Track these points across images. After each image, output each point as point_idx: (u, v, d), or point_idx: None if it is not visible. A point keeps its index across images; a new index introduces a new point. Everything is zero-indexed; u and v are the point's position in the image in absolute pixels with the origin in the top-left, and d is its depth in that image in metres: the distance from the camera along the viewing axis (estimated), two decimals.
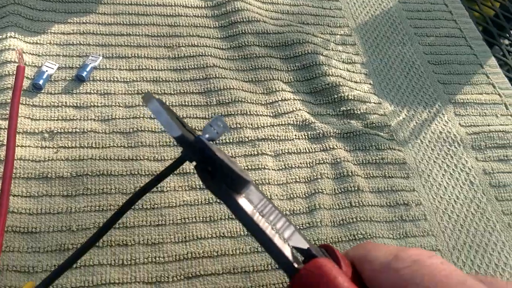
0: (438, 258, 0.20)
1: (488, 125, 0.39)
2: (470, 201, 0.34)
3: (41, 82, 0.33)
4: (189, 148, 0.22)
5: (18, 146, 0.30)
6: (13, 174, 0.29)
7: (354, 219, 0.31)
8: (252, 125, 0.34)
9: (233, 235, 0.29)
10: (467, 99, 0.40)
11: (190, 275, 0.28)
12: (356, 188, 0.33)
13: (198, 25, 0.39)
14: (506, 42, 0.50)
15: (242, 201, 0.23)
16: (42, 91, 0.33)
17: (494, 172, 0.36)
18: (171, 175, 0.31)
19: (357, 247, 0.24)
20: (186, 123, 0.27)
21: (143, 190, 0.24)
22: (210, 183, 0.22)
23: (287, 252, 0.22)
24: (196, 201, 0.30)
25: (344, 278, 0.20)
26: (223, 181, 0.22)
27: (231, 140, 0.33)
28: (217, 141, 0.33)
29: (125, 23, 0.38)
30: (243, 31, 0.39)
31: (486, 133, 0.38)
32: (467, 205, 0.34)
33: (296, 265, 0.21)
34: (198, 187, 0.31)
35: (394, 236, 0.31)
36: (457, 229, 0.33)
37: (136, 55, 0.36)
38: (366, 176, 0.34)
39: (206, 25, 0.39)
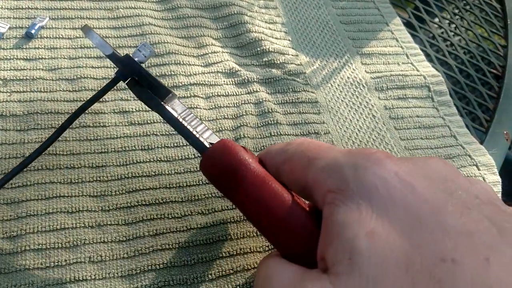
0: (317, 140, 0.26)
1: (390, 71, 0.45)
2: (372, 130, 0.40)
3: None
4: (120, 63, 0.27)
5: None
6: None
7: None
8: (185, 72, 0.39)
9: (169, 159, 0.34)
10: (373, 51, 0.47)
11: (131, 190, 0.32)
12: (275, 122, 0.38)
13: None
14: (413, 6, 0.57)
15: (168, 108, 0.28)
16: None
17: (393, 108, 0.42)
18: (113, 113, 0.36)
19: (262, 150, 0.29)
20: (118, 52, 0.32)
21: (82, 109, 0.29)
22: (140, 91, 0.28)
23: (203, 140, 0.27)
24: (135, 133, 0.35)
25: (242, 149, 0.26)
26: (151, 90, 0.27)
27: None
28: None
29: None
30: None
31: (388, 77, 0.44)
32: (369, 133, 0.40)
33: (207, 145, 0.27)
34: (136, 122, 0.36)
35: None
36: None
37: (79, 16, 0.41)
38: (284, 113, 0.40)
39: None
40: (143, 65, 0.29)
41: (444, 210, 0.20)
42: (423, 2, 0.56)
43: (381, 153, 0.22)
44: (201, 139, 0.27)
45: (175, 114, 0.28)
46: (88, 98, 0.35)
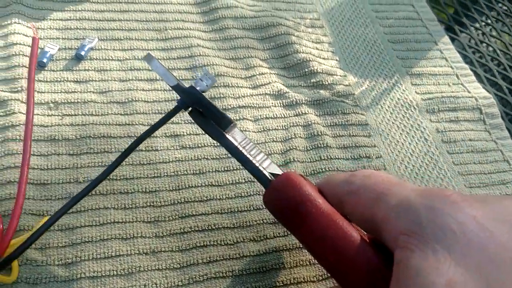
0: (385, 173, 0.25)
1: (441, 92, 0.44)
2: (424, 154, 0.39)
3: (44, 60, 0.37)
4: (184, 94, 0.27)
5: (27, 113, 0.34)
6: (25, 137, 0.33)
7: (323, 169, 0.36)
8: (233, 95, 0.39)
9: (220, 184, 0.34)
10: (423, 71, 0.45)
11: (184, 215, 0.32)
12: (325, 145, 0.38)
13: (183, 11, 0.44)
14: (460, 24, 0.56)
15: (229, 137, 0.28)
16: (46, 69, 0.37)
17: (445, 131, 0.41)
18: (164, 137, 0.36)
19: (322, 179, 0.29)
20: (179, 79, 0.32)
21: (146, 133, 0.29)
22: (202, 121, 0.28)
23: (266, 172, 0.27)
24: (187, 158, 0.35)
25: (307, 183, 0.25)
26: (213, 120, 0.27)
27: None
28: None
29: (116, 10, 0.42)
30: (223, 16, 0.44)
31: (439, 99, 0.43)
32: (421, 157, 0.39)
33: (271, 179, 0.26)
34: (188, 146, 0.35)
35: None
36: (413, 176, 0.38)
37: (127, 37, 0.41)
38: (333, 136, 0.39)
39: (190, 11, 0.44)
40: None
41: None
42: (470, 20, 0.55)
43: (457, 195, 0.21)
44: (264, 171, 0.27)
45: (236, 143, 0.28)
46: (139, 122, 0.35)
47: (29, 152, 0.29)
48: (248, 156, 0.27)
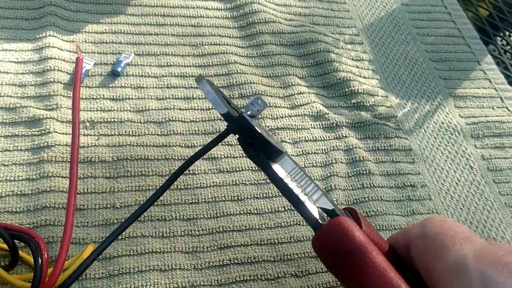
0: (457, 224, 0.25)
1: (486, 116, 0.42)
2: (470, 183, 0.38)
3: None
4: (233, 123, 0.26)
5: (64, 133, 0.33)
6: (61, 158, 0.32)
7: (366, 198, 0.35)
8: (271, 115, 0.38)
9: (259, 212, 0.33)
10: (466, 92, 0.44)
11: (223, 246, 0.31)
12: (367, 172, 0.36)
13: (219, 25, 0.43)
14: (501, 41, 0.54)
15: (276, 167, 0.27)
16: (82, 85, 0.36)
17: (491, 158, 0.39)
18: (201, 160, 0.34)
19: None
20: (231, 100, 0.31)
21: (195, 158, 0.28)
22: (250, 152, 0.27)
23: (314, 211, 0.25)
24: (225, 183, 0.34)
25: (360, 232, 0.24)
26: (261, 150, 0.26)
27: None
28: None
29: (152, 23, 0.41)
30: (261, 31, 0.42)
31: (484, 123, 0.41)
32: (467, 186, 0.37)
33: (320, 222, 0.25)
34: (225, 170, 0.34)
35: (402, 214, 0.35)
36: (458, 207, 0.36)
37: (164, 52, 0.40)
38: (376, 161, 0.37)
39: (226, 26, 0.43)
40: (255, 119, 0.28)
41: None
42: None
43: None
44: (312, 211, 0.25)
45: (284, 175, 0.26)
46: (177, 143, 0.34)
47: (75, 184, 0.28)
48: (298, 191, 0.26)
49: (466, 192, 0.37)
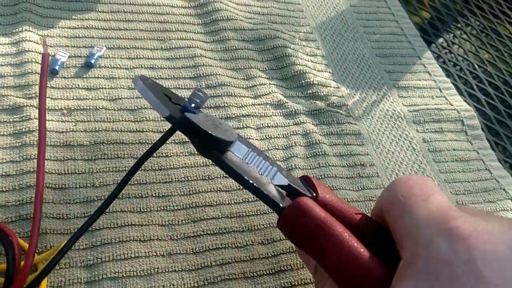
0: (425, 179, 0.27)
1: (426, 105, 0.47)
2: (413, 162, 0.42)
3: (56, 67, 0.38)
4: (178, 124, 0.27)
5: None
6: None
7: (322, 175, 0.39)
8: (236, 104, 0.41)
9: (228, 189, 0.36)
10: (408, 84, 0.49)
11: (196, 219, 0.34)
12: (323, 153, 0.40)
13: (185, 22, 0.46)
14: (442, 41, 0.60)
15: (230, 155, 0.28)
16: (58, 76, 0.39)
17: (431, 141, 0.44)
18: (173, 144, 0.37)
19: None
20: (172, 92, 0.32)
21: (147, 154, 0.29)
22: (198, 147, 0.28)
23: (273, 194, 0.27)
24: (196, 164, 0.37)
25: (319, 209, 0.26)
26: (209, 145, 0.27)
27: (220, 117, 0.40)
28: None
29: (121, 19, 0.44)
30: (223, 28, 0.46)
31: (424, 111, 0.47)
32: (410, 165, 0.42)
33: (281, 205, 0.27)
34: (196, 153, 0.37)
35: (353, 189, 0.39)
36: None
37: (133, 46, 0.42)
38: (330, 144, 0.41)
39: (191, 22, 0.46)
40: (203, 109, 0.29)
41: None
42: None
43: (466, 230, 0.21)
44: (271, 194, 0.27)
45: (238, 161, 0.28)
46: (149, 129, 0.37)
47: (43, 170, 0.29)
48: (251, 176, 0.27)
49: (409, 170, 0.42)
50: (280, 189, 0.28)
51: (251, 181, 0.27)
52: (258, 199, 0.31)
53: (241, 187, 0.36)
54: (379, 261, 0.25)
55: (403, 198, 0.25)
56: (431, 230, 0.22)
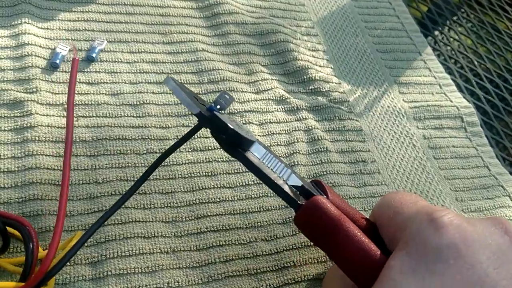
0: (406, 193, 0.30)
1: (426, 101, 0.47)
2: (413, 159, 0.43)
3: (57, 61, 0.38)
4: (206, 121, 0.29)
5: (45, 115, 0.35)
6: (44, 138, 0.34)
7: (324, 172, 0.39)
8: (239, 99, 0.41)
9: (231, 186, 0.36)
10: (409, 80, 0.49)
11: (199, 216, 0.34)
12: (324, 149, 0.40)
13: (186, 15, 0.45)
14: (441, 35, 0.60)
15: (250, 154, 0.30)
16: (58, 70, 0.38)
17: (431, 137, 0.45)
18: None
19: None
20: (197, 95, 0.33)
21: (172, 149, 0.30)
22: (224, 145, 0.30)
23: (288, 190, 0.29)
24: (199, 160, 0.37)
25: (333, 207, 0.28)
26: (233, 142, 0.29)
27: (222, 112, 0.40)
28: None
29: (122, 12, 0.43)
30: (225, 22, 0.46)
31: (424, 107, 0.47)
32: (411, 162, 0.42)
33: (298, 202, 0.28)
34: (199, 149, 0.37)
35: (355, 185, 0.39)
36: (404, 180, 0.41)
37: (135, 40, 0.42)
38: (331, 140, 0.42)
39: (193, 16, 0.46)
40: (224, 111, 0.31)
41: (486, 279, 0.22)
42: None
43: (447, 218, 0.24)
44: (289, 192, 0.29)
45: (257, 161, 0.30)
46: (152, 125, 0.37)
47: (68, 176, 0.30)
48: (272, 176, 0.29)
49: (410, 166, 0.42)
50: (294, 189, 0.30)
51: (270, 176, 0.29)
52: (274, 195, 0.33)
53: (244, 183, 0.37)
54: (385, 256, 0.26)
55: (395, 203, 0.28)
56: (419, 220, 0.25)
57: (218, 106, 0.30)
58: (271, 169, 0.30)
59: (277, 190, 0.29)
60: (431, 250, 0.23)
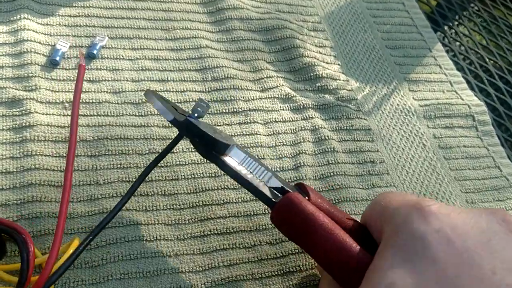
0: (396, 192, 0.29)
1: (437, 99, 0.46)
2: (423, 159, 0.41)
3: (57, 58, 0.37)
4: (181, 127, 0.29)
5: (44, 114, 0.34)
6: (43, 138, 0.33)
7: (331, 173, 0.38)
8: (243, 98, 0.40)
9: (235, 187, 0.35)
10: (419, 77, 0.48)
11: (203, 218, 0.33)
12: (332, 149, 0.39)
13: (190, 10, 0.44)
14: (449, 30, 0.58)
15: (228, 159, 0.30)
16: (58, 67, 0.37)
17: (442, 137, 0.43)
18: None
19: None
20: (179, 106, 0.34)
21: (154, 163, 0.30)
22: (201, 150, 0.30)
23: (267, 191, 0.29)
24: (202, 160, 0.36)
25: (307, 202, 0.28)
26: (210, 147, 0.29)
27: (227, 111, 0.39)
28: (216, 112, 0.38)
29: (124, 7, 0.42)
30: (229, 17, 0.44)
31: (435, 105, 0.45)
32: (421, 162, 0.41)
33: (273, 200, 0.29)
34: None
35: (363, 187, 0.38)
36: (413, 181, 0.40)
37: (137, 36, 0.41)
38: (339, 140, 0.40)
39: (196, 11, 0.44)
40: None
41: (478, 272, 0.22)
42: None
43: (435, 206, 0.24)
44: (265, 192, 0.29)
45: (235, 165, 0.30)
46: (154, 124, 0.36)
47: (70, 180, 0.29)
48: (248, 177, 0.29)
49: (420, 167, 0.41)
50: (274, 190, 0.30)
51: (246, 178, 0.29)
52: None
53: None
54: (363, 249, 0.26)
55: (384, 202, 0.27)
56: (405, 210, 0.25)
57: (196, 114, 0.31)
58: (251, 172, 0.30)
59: (254, 190, 0.29)
60: (419, 238, 0.23)
